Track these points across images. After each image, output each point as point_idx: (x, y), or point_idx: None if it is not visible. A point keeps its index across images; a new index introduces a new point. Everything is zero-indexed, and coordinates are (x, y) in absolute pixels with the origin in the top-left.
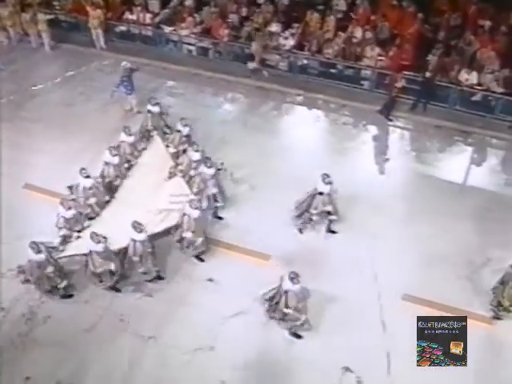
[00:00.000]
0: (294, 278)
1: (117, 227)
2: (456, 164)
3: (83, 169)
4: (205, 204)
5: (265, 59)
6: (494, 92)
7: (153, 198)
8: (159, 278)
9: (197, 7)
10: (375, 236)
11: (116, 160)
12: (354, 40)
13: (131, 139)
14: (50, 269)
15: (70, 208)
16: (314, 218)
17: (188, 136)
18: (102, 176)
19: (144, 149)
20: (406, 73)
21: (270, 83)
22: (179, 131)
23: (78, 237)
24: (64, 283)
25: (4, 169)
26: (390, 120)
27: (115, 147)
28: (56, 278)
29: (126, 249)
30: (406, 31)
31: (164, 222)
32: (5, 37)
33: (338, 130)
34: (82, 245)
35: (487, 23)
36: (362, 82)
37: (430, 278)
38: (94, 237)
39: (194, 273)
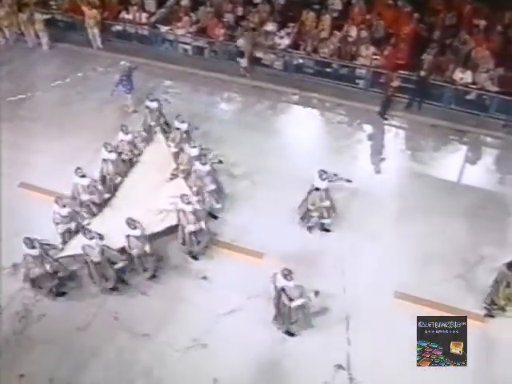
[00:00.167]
0: (288, 274)
1: (117, 226)
2: (451, 163)
3: (78, 168)
4: (207, 200)
5: (255, 56)
6: (488, 91)
7: (153, 197)
8: (153, 276)
9: (193, 7)
10: (370, 234)
11: (113, 156)
12: (350, 39)
13: (129, 137)
14: (45, 266)
15: (64, 206)
16: (314, 214)
17: (187, 132)
18: (102, 174)
19: (146, 146)
20: (401, 72)
21: (265, 82)
22: (178, 129)
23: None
24: (56, 281)
25: (4, 169)
26: (386, 119)
27: (112, 144)
28: (50, 276)
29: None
30: (401, 30)
31: (164, 222)
32: (1, 37)
33: (333, 128)
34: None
35: (482, 22)
36: (358, 81)
37: (425, 277)
38: (87, 233)
39: (188, 271)
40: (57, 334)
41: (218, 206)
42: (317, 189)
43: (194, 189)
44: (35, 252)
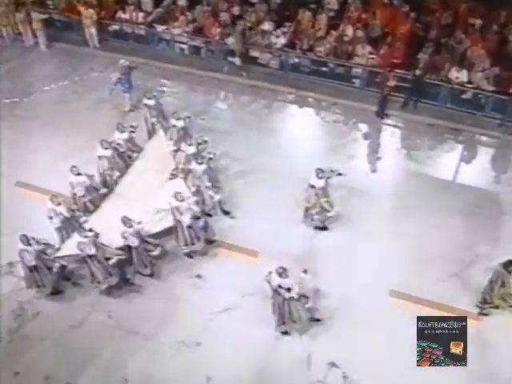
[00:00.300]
0: (282, 272)
1: (114, 224)
2: (447, 161)
3: (74, 166)
4: (207, 199)
5: (251, 56)
6: (484, 90)
7: (152, 196)
8: (150, 275)
9: (189, 6)
10: (366, 233)
11: (109, 152)
12: (346, 38)
13: (125, 136)
14: (40, 263)
15: (59, 204)
16: (312, 211)
17: (184, 128)
18: (99, 171)
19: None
20: (397, 71)
21: (261, 81)
22: (175, 126)
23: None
24: (52, 279)
25: (4, 168)
26: (382, 118)
27: (107, 141)
28: (46, 274)
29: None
30: (397, 29)
31: (162, 222)
32: None
33: (329, 128)
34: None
35: (478, 22)
36: (353, 80)
37: (421, 275)
38: (82, 232)
39: (183, 269)
40: (51, 332)
41: (218, 196)
42: (312, 186)
43: (193, 189)
44: (31, 249)
